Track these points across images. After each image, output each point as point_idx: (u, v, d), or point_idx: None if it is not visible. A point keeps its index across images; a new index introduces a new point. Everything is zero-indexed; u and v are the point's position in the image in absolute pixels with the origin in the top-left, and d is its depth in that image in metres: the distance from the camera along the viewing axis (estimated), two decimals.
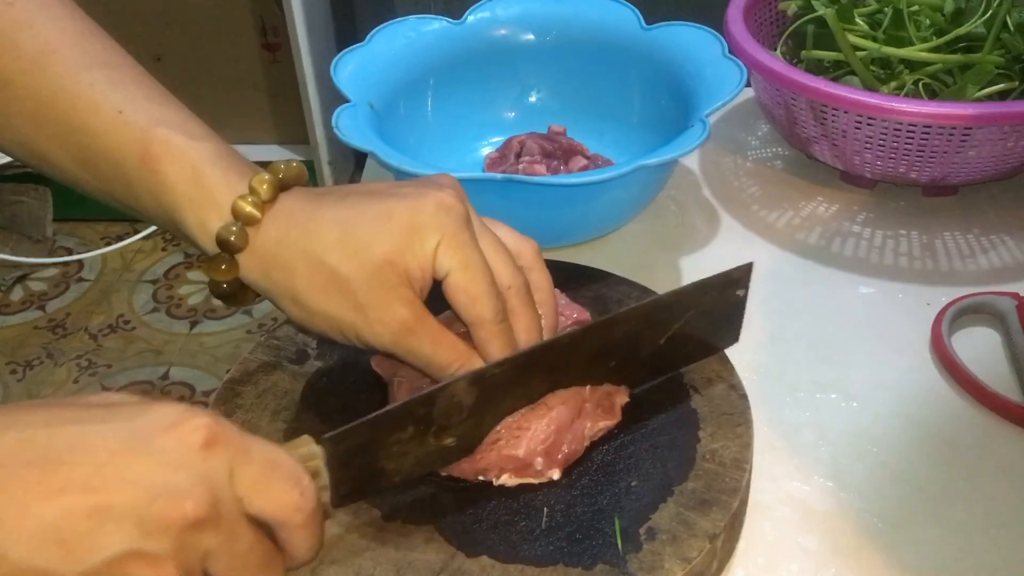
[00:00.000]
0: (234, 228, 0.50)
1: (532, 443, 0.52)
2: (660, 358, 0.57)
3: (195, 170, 0.51)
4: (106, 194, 0.54)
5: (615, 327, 0.54)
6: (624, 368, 0.56)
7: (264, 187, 0.51)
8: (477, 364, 0.52)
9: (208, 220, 0.51)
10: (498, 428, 0.53)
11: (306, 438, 0.46)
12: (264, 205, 0.51)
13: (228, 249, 0.51)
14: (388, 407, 0.48)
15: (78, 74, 0.52)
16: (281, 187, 0.52)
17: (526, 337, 0.53)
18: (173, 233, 0.53)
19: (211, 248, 0.51)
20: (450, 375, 0.51)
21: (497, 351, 0.52)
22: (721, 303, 0.58)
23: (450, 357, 0.52)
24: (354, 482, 0.47)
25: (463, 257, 0.50)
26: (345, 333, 0.52)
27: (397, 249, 0.50)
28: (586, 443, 0.55)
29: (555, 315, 0.56)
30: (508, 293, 0.53)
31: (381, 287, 0.50)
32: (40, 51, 0.52)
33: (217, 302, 2.17)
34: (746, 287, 0.57)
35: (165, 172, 0.51)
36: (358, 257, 0.50)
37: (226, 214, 0.51)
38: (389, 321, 0.50)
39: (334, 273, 0.50)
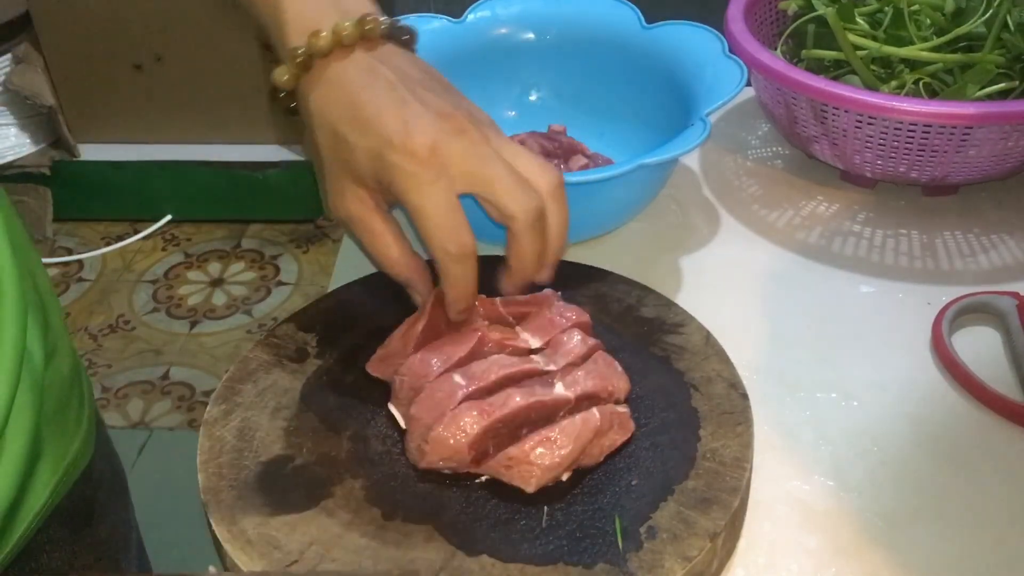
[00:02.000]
0: (286, 72, 0.55)
1: (563, 461, 0.52)
2: None
3: (277, 7, 0.55)
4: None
5: None
6: None
7: (319, 45, 0.54)
8: (419, 276, 0.56)
9: (280, 49, 0.56)
10: (533, 438, 0.53)
11: None
12: (316, 61, 0.54)
13: (282, 85, 0.55)
14: None
15: None
16: (341, 45, 0.54)
17: (527, 264, 0.55)
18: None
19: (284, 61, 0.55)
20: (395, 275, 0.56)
21: (515, 254, 0.55)
22: None
23: (390, 255, 0.55)
24: None
25: (483, 172, 0.53)
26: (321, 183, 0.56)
27: (371, 150, 0.52)
28: (601, 458, 0.55)
29: (559, 253, 0.57)
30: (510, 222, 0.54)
31: (340, 175, 0.54)
32: None
33: (217, 302, 2.17)
34: None
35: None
36: (355, 140, 0.53)
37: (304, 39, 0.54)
38: (338, 206, 0.55)
39: (336, 133, 0.53)
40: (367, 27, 0.54)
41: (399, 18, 0.59)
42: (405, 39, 0.57)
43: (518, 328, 0.59)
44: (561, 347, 0.57)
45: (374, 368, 0.59)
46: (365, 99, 0.53)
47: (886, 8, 0.81)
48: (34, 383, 0.57)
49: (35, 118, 2.20)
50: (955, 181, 0.78)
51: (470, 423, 0.52)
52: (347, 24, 0.54)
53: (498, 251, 0.73)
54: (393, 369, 0.57)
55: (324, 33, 0.53)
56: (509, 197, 0.53)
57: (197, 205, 2.27)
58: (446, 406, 0.53)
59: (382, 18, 0.55)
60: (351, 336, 0.63)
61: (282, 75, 0.55)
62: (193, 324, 2.04)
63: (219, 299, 2.10)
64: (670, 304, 0.65)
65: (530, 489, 0.52)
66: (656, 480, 0.53)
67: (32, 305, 0.59)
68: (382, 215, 0.55)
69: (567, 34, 0.85)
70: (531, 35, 0.85)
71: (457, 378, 0.54)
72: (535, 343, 0.57)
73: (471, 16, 0.84)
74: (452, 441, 0.52)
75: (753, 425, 0.56)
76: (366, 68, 0.54)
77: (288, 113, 0.57)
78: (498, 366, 0.55)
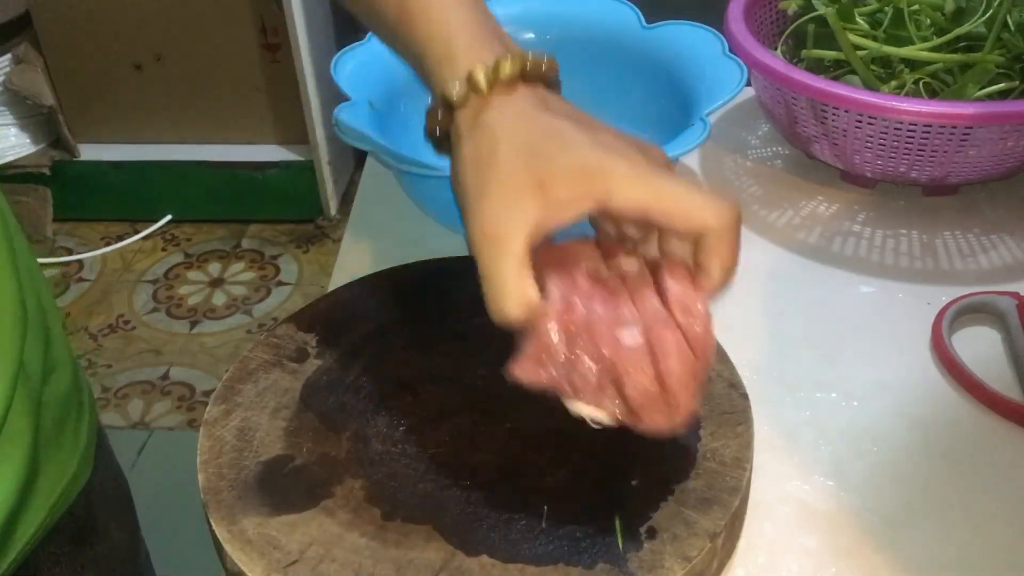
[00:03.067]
0: (460, 92, 0.51)
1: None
2: None
3: (447, 30, 0.52)
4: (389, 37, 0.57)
5: None
6: None
7: (506, 67, 0.51)
8: (539, 314, 0.48)
9: (446, 81, 0.51)
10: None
11: None
12: (498, 83, 0.51)
13: (447, 105, 0.52)
14: None
15: None
16: (523, 76, 0.52)
17: (731, 262, 0.51)
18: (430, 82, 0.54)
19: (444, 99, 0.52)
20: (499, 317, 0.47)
21: (720, 263, 0.50)
22: None
23: (509, 286, 0.47)
24: None
25: (654, 186, 0.48)
26: (461, 201, 0.51)
27: (562, 170, 0.48)
28: None
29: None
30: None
31: (507, 193, 0.48)
32: None
33: (217, 302, 2.16)
34: None
35: (416, 31, 0.53)
36: (530, 160, 0.49)
37: (462, 76, 0.51)
38: (486, 222, 0.48)
39: (494, 148, 0.49)
40: (544, 67, 0.53)
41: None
42: (556, 85, 0.56)
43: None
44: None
45: (529, 372, 0.50)
46: (560, 122, 0.51)
47: (886, 8, 0.80)
48: (31, 400, 0.56)
49: (35, 118, 2.21)
50: (955, 181, 0.78)
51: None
52: (530, 55, 0.52)
53: None
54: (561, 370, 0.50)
55: (505, 63, 0.51)
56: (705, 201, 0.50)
57: (197, 205, 2.27)
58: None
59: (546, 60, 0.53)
60: (351, 336, 0.63)
61: (454, 89, 0.51)
62: (193, 324, 2.04)
63: (219, 299, 2.10)
64: None
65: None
66: (656, 480, 0.53)
67: (33, 322, 0.58)
68: (527, 247, 0.48)
69: (567, 34, 0.84)
70: (531, 35, 0.85)
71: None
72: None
73: None
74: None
75: (753, 425, 0.56)
76: (542, 100, 0.53)
77: (438, 140, 0.54)
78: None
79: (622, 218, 0.51)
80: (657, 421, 0.48)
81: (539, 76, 0.53)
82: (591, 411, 0.49)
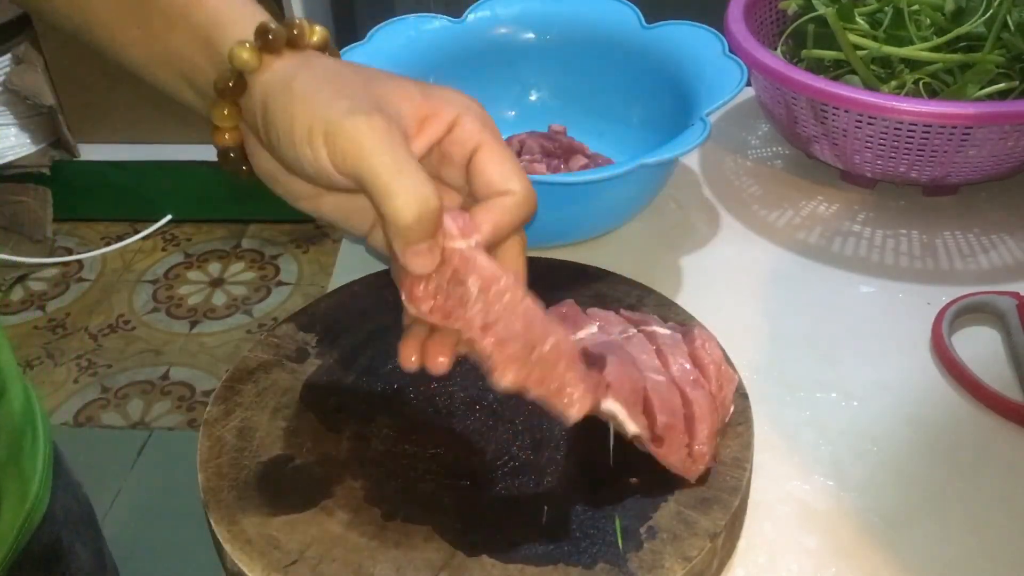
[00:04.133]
0: (276, 28, 0.49)
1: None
2: None
3: (227, 7, 0.50)
4: (147, 41, 0.54)
5: None
6: None
7: (318, 33, 0.51)
8: (434, 200, 0.45)
9: (254, 21, 0.49)
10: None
11: None
12: (310, 40, 0.50)
13: (264, 38, 0.48)
14: None
15: None
16: (324, 46, 0.51)
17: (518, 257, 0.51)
18: (187, 77, 0.52)
19: (244, 46, 0.48)
20: (404, 226, 0.45)
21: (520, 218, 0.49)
22: None
23: (408, 184, 0.45)
24: None
25: (495, 135, 0.49)
26: (318, 119, 0.46)
27: (419, 90, 0.48)
28: None
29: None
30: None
31: (384, 91, 0.47)
32: None
33: (217, 302, 2.16)
34: None
35: (197, 15, 0.50)
36: (379, 74, 0.49)
37: (271, 22, 0.49)
38: (372, 114, 0.45)
39: (348, 68, 0.49)
40: (327, 38, 0.52)
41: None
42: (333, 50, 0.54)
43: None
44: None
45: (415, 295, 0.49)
46: (367, 70, 0.50)
47: (886, 8, 0.81)
48: None
49: (35, 118, 2.20)
50: (955, 181, 0.78)
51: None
52: (318, 27, 0.51)
53: None
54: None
55: (275, 26, 0.49)
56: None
57: (197, 205, 2.27)
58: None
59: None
60: (351, 336, 0.63)
61: (243, 52, 0.48)
62: (193, 324, 2.04)
63: (219, 299, 2.10)
64: (670, 304, 0.65)
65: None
66: (656, 480, 0.53)
67: None
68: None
69: (567, 34, 0.85)
70: (531, 35, 0.85)
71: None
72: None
73: (471, 16, 0.84)
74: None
75: (753, 425, 0.56)
76: (334, 61, 0.51)
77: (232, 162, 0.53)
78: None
79: (452, 155, 0.49)
80: (676, 455, 0.52)
81: (323, 46, 0.52)
82: (624, 418, 0.51)
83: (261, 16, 0.50)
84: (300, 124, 0.46)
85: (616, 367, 0.51)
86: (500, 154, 0.49)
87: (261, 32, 0.48)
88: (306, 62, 0.49)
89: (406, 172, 0.44)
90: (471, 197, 0.50)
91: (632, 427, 0.52)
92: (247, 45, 0.48)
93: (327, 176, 0.46)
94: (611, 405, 0.51)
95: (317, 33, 0.51)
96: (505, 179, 0.49)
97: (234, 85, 0.49)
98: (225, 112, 0.50)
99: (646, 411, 0.52)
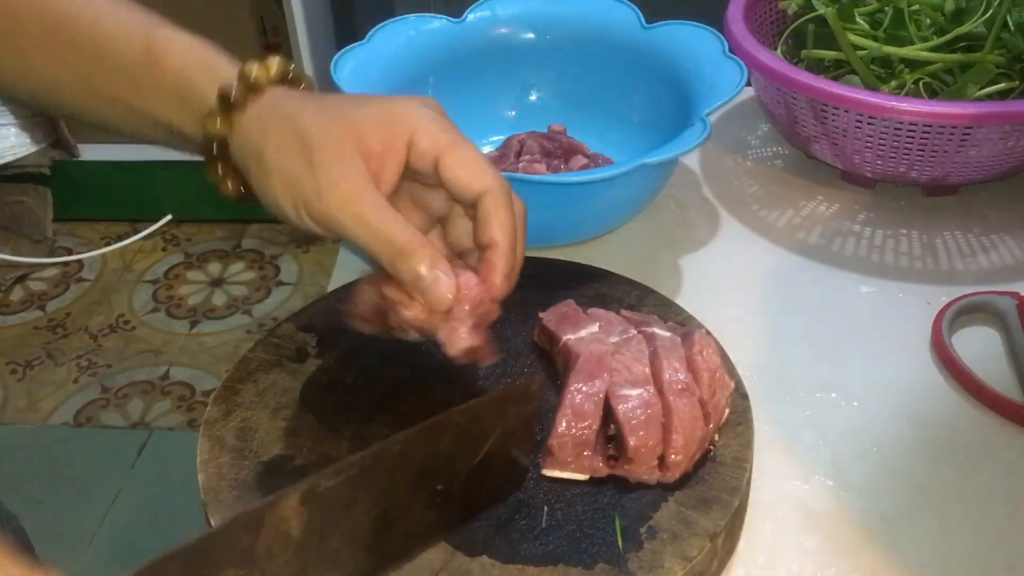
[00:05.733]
0: (236, 87, 0.52)
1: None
2: (473, 487, 0.51)
3: (202, 51, 0.54)
4: (111, 103, 0.56)
5: (439, 436, 0.48)
6: (446, 495, 0.50)
7: (274, 67, 0.53)
8: (430, 253, 0.50)
9: (206, 97, 0.53)
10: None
11: None
12: (270, 79, 0.53)
13: (227, 103, 0.52)
14: (207, 532, 0.42)
15: None
16: (285, 76, 0.54)
17: (511, 226, 0.52)
18: (175, 135, 0.55)
19: (213, 113, 0.52)
20: (408, 270, 0.50)
21: (500, 226, 0.51)
22: (519, 419, 0.52)
23: (404, 234, 0.50)
24: None
25: (452, 137, 0.51)
26: (296, 196, 0.51)
27: (367, 123, 0.51)
28: None
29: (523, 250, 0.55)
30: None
31: (338, 151, 0.50)
32: None
33: (217, 302, 2.16)
34: (539, 401, 0.53)
35: (170, 60, 0.54)
36: (328, 124, 0.51)
37: (232, 77, 0.53)
38: (338, 182, 0.50)
39: (302, 132, 0.51)
40: (287, 66, 0.54)
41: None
42: (303, 87, 0.56)
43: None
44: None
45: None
46: (335, 100, 0.53)
47: (886, 8, 0.80)
48: None
49: (35, 118, 2.20)
50: (955, 181, 0.78)
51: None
52: (273, 61, 0.53)
53: None
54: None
55: (249, 71, 0.53)
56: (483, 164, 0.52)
57: (197, 205, 2.27)
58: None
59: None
60: (351, 336, 0.63)
61: (215, 123, 0.52)
62: (193, 324, 2.03)
63: (219, 299, 2.10)
64: (670, 304, 0.65)
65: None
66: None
67: None
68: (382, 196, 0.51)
69: (567, 34, 0.84)
70: (531, 35, 0.85)
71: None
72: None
73: (471, 16, 0.84)
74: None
75: (753, 425, 0.56)
76: (302, 95, 0.54)
77: (221, 177, 0.55)
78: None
79: (421, 170, 0.52)
80: (644, 467, 0.53)
81: (298, 81, 0.55)
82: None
83: (223, 65, 0.53)
84: (283, 200, 0.52)
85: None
86: (461, 156, 0.51)
87: (223, 97, 0.52)
88: (270, 119, 0.52)
89: (387, 237, 0.50)
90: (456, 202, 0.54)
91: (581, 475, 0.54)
92: (216, 117, 0.52)
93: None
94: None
95: (274, 67, 0.53)
96: (472, 179, 0.51)
97: (217, 152, 0.53)
98: (218, 169, 0.54)
99: (617, 436, 0.53)
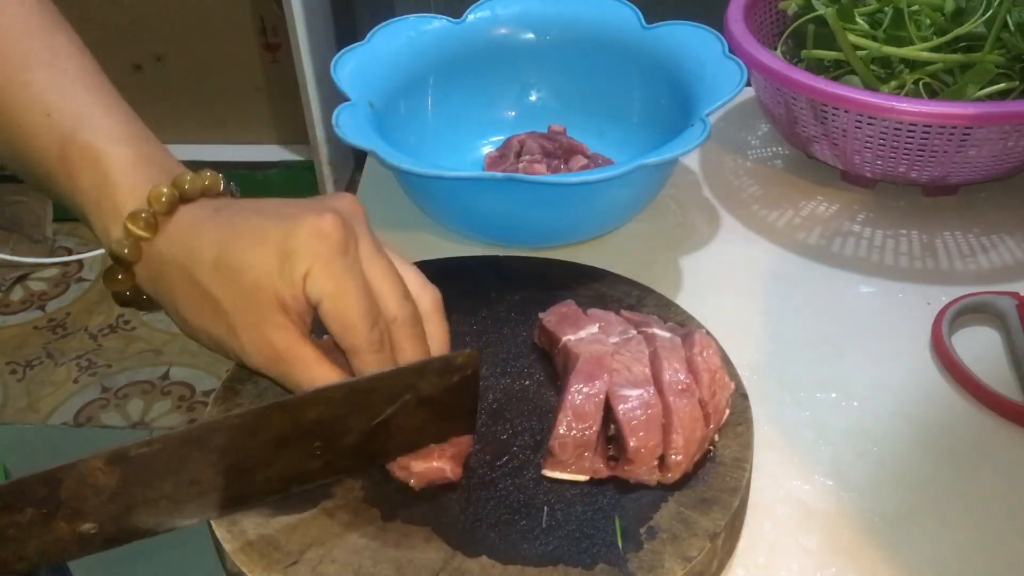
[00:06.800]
0: (126, 243, 0.51)
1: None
2: (371, 444, 0.52)
3: (106, 179, 0.52)
4: (36, 185, 0.56)
5: (305, 410, 0.49)
6: (330, 452, 0.51)
7: (162, 200, 0.51)
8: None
9: (110, 230, 0.52)
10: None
11: None
12: (159, 219, 0.51)
13: (119, 262, 0.52)
14: (4, 483, 0.44)
15: (14, 75, 0.54)
16: (182, 200, 0.52)
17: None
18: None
19: (118, 254, 0.52)
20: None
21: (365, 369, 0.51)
22: (444, 389, 0.51)
23: (323, 379, 0.50)
24: None
25: (334, 285, 0.49)
26: (226, 353, 0.52)
27: (267, 274, 0.49)
28: None
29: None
30: (393, 325, 0.51)
31: (252, 312, 0.49)
32: None
33: None
34: (471, 373, 0.52)
35: (79, 178, 0.53)
36: (230, 281, 0.50)
37: (142, 205, 0.52)
38: (261, 346, 0.50)
39: (208, 295, 0.50)
40: (206, 181, 0.53)
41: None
42: (234, 194, 0.56)
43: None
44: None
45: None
46: (240, 221, 0.51)
47: (886, 8, 0.80)
48: None
49: None
50: (955, 181, 0.78)
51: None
52: (188, 177, 0.52)
53: (497, 251, 0.73)
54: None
55: (165, 189, 0.51)
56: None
57: None
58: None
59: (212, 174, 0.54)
60: None
61: (123, 247, 0.51)
62: None
63: None
64: (670, 304, 0.65)
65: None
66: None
67: None
68: (308, 340, 0.51)
69: (567, 34, 0.84)
70: (531, 35, 0.85)
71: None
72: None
73: (471, 16, 0.84)
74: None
75: (753, 425, 0.56)
76: (219, 206, 0.52)
77: (130, 302, 0.54)
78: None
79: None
80: (644, 468, 0.53)
81: (201, 192, 0.53)
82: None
83: (129, 194, 0.52)
84: (199, 335, 0.52)
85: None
86: (336, 308, 0.49)
87: (135, 219, 0.51)
88: (171, 271, 0.51)
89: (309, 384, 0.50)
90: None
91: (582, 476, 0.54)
92: (124, 243, 0.51)
93: None
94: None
95: (188, 183, 0.52)
96: (342, 336, 0.50)
97: (123, 273, 0.53)
98: (120, 277, 0.53)
99: (617, 436, 0.53)
